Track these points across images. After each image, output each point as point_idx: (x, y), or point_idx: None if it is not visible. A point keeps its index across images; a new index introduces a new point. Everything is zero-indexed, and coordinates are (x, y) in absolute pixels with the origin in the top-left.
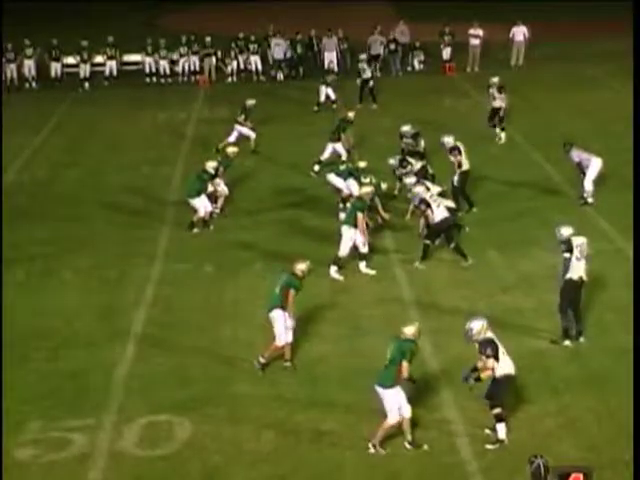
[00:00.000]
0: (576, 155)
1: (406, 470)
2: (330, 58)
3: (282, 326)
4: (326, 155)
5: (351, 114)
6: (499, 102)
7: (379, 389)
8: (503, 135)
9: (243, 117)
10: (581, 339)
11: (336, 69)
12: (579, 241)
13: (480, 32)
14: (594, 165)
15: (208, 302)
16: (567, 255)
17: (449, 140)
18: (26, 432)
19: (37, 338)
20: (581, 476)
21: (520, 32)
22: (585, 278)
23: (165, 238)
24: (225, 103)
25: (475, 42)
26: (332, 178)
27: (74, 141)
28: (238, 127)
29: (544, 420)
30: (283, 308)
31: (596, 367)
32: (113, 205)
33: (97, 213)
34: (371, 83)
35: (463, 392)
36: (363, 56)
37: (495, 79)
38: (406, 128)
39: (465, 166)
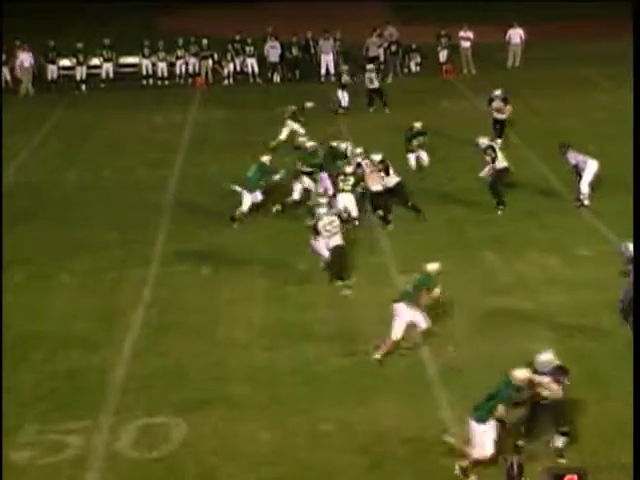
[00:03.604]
0: (573, 157)
1: (403, 472)
2: (327, 60)
3: (402, 321)
4: (412, 163)
5: (417, 124)
6: (505, 114)
7: (472, 422)
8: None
9: (294, 114)
10: None
11: (332, 71)
12: None
13: (470, 34)
14: (590, 167)
15: (205, 304)
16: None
17: (484, 141)
18: (23, 435)
19: (34, 340)
20: (575, 477)
21: (516, 34)
22: None
23: (162, 240)
24: (222, 105)
25: (466, 44)
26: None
27: (71, 144)
28: (290, 122)
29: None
30: (409, 303)
31: (595, 369)
32: (110, 207)
33: (94, 215)
34: (377, 85)
35: (460, 394)
36: (371, 66)
37: (498, 92)
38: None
39: (501, 164)
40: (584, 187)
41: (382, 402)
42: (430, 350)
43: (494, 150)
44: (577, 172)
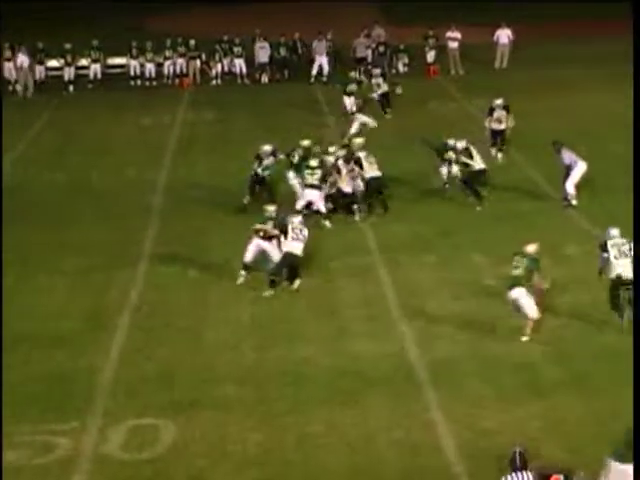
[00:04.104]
0: (567, 156)
1: (391, 472)
2: (320, 61)
3: (528, 300)
4: (444, 173)
5: (451, 142)
6: (505, 124)
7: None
8: (501, 154)
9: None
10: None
11: (326, 71)
12: (618, 240)
13: (458, 35)
14: (579, 168)
15: (193, 305)
16: (605, 255)
17: (462, 144)
18: (11, 436)
19: (21, 341)
20: (561, 477)
21: (504, 34)
22: (627, 276)
23: (150, 241)
24: (210, 106)
25: (453, 45)
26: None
27: (59, 144)
28: (358, 116)
29: (529, 422)
30: (524, 286)
31: (581, 369)
32: (98, 208)
33: (82, 216)
34: (386, 88)
35: (449, 395)
36: (377, 70)
37: (499, 101)
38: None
39: (479, 165)
40: (570, 188)
41: (371, 403)
42: (418, 349)
43: (470, 152)
44: (567, 171)
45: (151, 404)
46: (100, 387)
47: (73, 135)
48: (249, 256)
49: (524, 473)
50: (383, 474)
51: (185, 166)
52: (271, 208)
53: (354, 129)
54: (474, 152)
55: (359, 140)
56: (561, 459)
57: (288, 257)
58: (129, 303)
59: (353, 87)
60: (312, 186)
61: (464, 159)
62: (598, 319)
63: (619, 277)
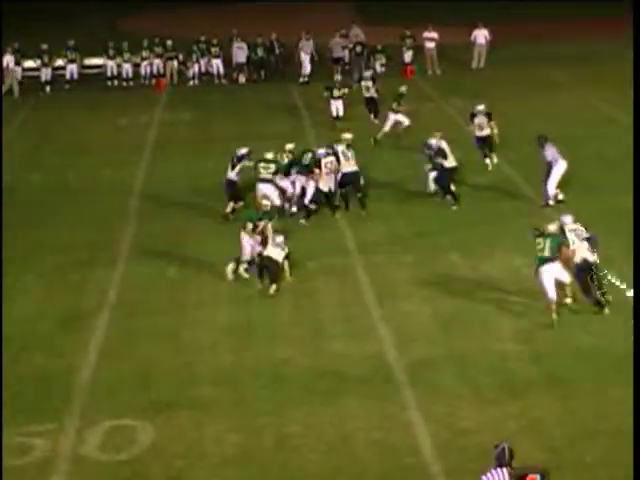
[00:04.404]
0: (550, 153)
1: (370, 472)
2: (306, 61)
3: (550, 280)
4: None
5: (433, 141)
6: (487, 130)
7: None
8: (489, 161)
9: (396, 104)
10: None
11: (307, 71)
12: (573, 226)
13: (435, 35)
14: (559, 167)
15: (170, 305)
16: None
17: (434, 142)
18: None
19: None
20: (537, 477)
21: (481, 34)
22: (592, 259)
23: (128, 241)
24: (187, 106)
25: (430, 45)
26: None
27: (36, 145)
28: (392, 115)
29: (506, 422)
30: (554, 260)
31: (557, 369)
32: (75, 208)
33: (59, 216)
34: (374, 94)
35: (427, 394)
36: (367, 73)
37: (481, 107)
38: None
39: (451, 163)
40: (551, 189)
41: (349, 403)
42: (396, 349)
43: (444, 151)
44: (548, 169)
45: (129, 405)
46: (78, 388)
47: (50, 135)
48: (247, 253)
49: (501, 471)
50: (362, 474)
51: (162, 166)
52: (267, 202)
53: (387, 127)
54: (447, 150)
55: (347, 135)
56: (539, 459)
57: (266, 260)
58: (107, 303)
59: (344, 90)
60: (264, 180)
61: (440, 159)
62: (572, 319)
63: (585, 261)
